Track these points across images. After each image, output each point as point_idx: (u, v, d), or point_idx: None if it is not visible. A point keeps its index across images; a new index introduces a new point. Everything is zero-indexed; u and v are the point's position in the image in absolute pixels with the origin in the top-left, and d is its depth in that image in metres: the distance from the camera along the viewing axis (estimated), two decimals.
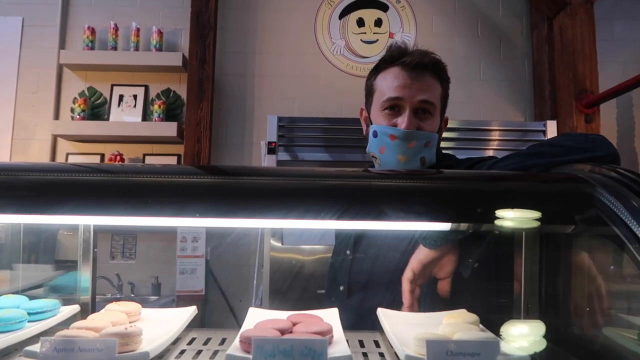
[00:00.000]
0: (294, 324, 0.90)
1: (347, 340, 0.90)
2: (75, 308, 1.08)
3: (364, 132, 1.33)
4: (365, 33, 3.34)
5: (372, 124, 1.26)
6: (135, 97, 3.19)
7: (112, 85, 3.20)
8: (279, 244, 2.51)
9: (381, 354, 0.91)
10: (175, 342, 0.96)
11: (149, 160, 3.18)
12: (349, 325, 1.00)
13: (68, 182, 0.84)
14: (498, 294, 1.15)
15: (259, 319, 0.94)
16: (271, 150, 2.67)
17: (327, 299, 1.34)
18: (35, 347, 0.76)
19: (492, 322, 0.93)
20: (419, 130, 1.19)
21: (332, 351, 0.81)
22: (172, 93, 3.23)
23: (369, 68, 1.33)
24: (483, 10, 3.34)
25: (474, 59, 3.29)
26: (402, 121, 1.18)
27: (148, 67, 3.16)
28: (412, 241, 1.12)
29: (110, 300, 1.11)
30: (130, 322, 0.96)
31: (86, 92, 3.20)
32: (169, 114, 3.13)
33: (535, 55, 3.25)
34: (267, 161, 2.67)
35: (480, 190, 0.90)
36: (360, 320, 1.18)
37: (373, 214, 0.82)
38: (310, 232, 2.39)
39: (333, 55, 3.31)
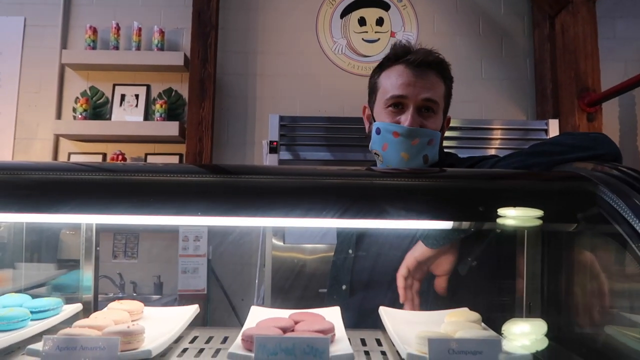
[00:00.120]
0: (296, 323, 0.90)
1: (349, 339, 0.90)
2: (77, 307, 1.09)
3: (367, 130, 1.32)
4: (366, 32, 3.33)
5: (375, 121, 1.26)
6: (137, 96, 3.19)
7: (114, 85, 3.21)
8: (281, 243, 2.52)
9: (383, 353, 0.91)
10: (178, 340, 0.96)
11: (151, 159, 3.19)
12: (351, 323, 1.00)
13: (70, 181, 0.84)
14: (500, 293, 1.15)
15: (261, 317, 0.94)
16: (273, 149, 2.67)
17: (329, 298, 1.34)
18: (38, 346, 0.76)
19: (494, 320, 0.93)
20: (422, 128, 1.19)
21: (334, 349, 0.81)
22: (173, 92, 3.23)
23: (370, 67, 1.33)
24: (485, 9, 3.33)
25: (476, 58, 3.29)
26: (406, 119, 1.18)
27: (150, 67, 3.17)
28: (414, 240, 1.12)
29: (113, 299, 1.11)
30: (132, 321, 0.96)
31: (88, 91, 3.21)
32: (170, 114, 3.14)
33: (537, 53, 3.24)
34: (269, 160, 2.67)
35: (483, 188, 0.90)
36: (362, 318, 1.18)
37: (375, 213, 0.82)
38: (312, 230, 2.39)
39: (334, 55, 3.30)
